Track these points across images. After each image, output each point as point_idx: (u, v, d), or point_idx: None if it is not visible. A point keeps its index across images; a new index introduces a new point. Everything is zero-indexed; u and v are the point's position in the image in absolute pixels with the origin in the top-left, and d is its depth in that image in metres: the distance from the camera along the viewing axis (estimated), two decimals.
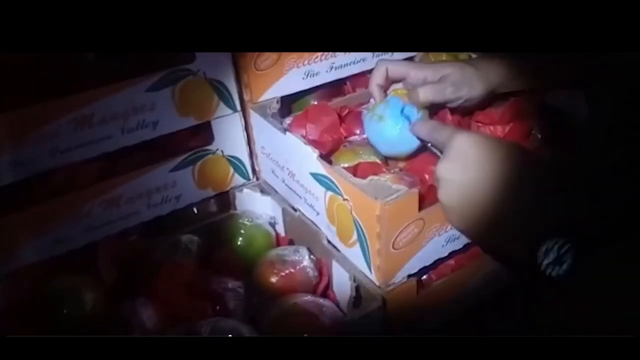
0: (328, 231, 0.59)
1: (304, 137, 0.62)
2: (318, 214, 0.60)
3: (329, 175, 0.55)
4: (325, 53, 0.69)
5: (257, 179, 0.71)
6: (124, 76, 0.57)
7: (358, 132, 0.68)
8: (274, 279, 0.59)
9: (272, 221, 0.67)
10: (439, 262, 0.57)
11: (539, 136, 0.62)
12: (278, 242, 0.66)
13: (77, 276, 0.60)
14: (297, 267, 0.59)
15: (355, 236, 0.54)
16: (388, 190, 0.49)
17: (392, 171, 0.57)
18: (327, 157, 0.62)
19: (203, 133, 0.65)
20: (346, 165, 0.61)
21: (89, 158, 0.59)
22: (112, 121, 0.58)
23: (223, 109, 0.65)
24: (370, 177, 0.51)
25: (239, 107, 0.66)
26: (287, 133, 0.60)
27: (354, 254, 0.55)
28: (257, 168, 0.71)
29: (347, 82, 0.76)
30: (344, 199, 0.53)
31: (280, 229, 0.67)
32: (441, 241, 0.55)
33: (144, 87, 0.58)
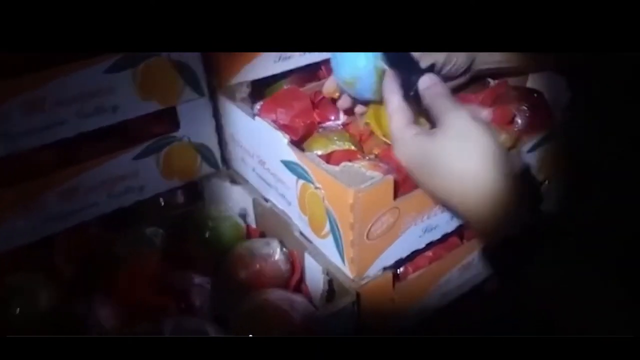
0: (300, 222, 0.56)
1: (274, 122, 0.58)
2: (290, 204, 0.57)
3: (301, 163, 0.51)
4: None
5: (228, 167, 0.68)
6: (80, 56, 0.53)
7: (332, 117, 0.65)
8: (243, 274, 0.56)
9: (243, 212, 0.64)
10: (416, 253, 0.55)
11: (520, 121, 0.59)
12: (249, 234, 0.63)
13: (31, 272, 0.57)
14: (268, 261, 0.56)
15: (327, 227, 0.51)
16: (362, 178, 0.46)
17: (367, 158, 0.53)
18: (299, 143, 0.58)
19: (168, 119, 0.62)
20: (319, 152, 0.58)
21: (43, 145, 0.54)
22: (67, 105, 0.54)
23: (189, 93, 0.61)
24: (343, 164, 0.48)
25: (206, 92, 0.62)
26: (257, 118, 0.57)
27: (327, 246, 0.52)
28: (227, 156, 0.67)
29: (322, 67, 0.72)
30: (316, 187, 0.50)
31: (251, 220, 0.64)
32: (418, 231, 0.52)
33: (102, 68, 0.54)
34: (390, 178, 0.47)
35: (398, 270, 0.57)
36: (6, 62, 0.52)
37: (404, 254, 0.53)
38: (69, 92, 0.54)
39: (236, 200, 0.65)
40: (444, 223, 0.54)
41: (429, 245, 0.55)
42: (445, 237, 0.55)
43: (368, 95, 0.53)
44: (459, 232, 0.59)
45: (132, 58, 0.55)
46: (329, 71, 0.72)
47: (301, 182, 0.52)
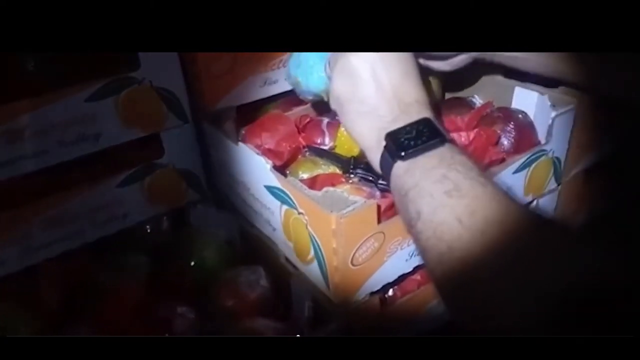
0: (285, 248, 0.55)
1: (259, 146, 0.58)
2: (275, 229, 0.56)
3: (283, 188, 0.51)
4: (284, 60, 0.65)
5: (214, 193, 0.67)
6: (61, 85, 0.53)
7: (319, 141, 0.65)
8: (228, 302, 0.55)
9: (229, 238, 0.63)
10: (404, 277, 0.54)
11: (506, 142, 0.59)
12: (234, 261, 0.62)
13: (13, 303, 0.55)
14: (253, 288, 0.55)
15: (312, 252, 0.50)
16: (344, 202, 0.46)
17: (350, 181, 0.53)
18: (283, 168, 0.58)
19: (152, 146, 0.61)
20: (305, 175, 0.58)
21: (25, 174, 0.54)
22: (48, 134, 0.54)
23: (173, 119, 0.61)
24: (325, 189, 0.48)
25: (190, 118, 0.62)
26: (240, 144, 0.56)
27: (312, 272, 0.52)
28: (213, 182, 0.67)
29: None
30: (299, 213, 0.49)
31: (237, 246, 0.63)
32: (404, 255, 0.51)
33: (83, 97, 0.54)
34: (373, 202, 0.46)
35: (386, 295, 0.56)
36: None
37: (391, 279, 0.52)
38: (50, 121, 0.53)
39: (222, 227, 0.64)
40: None
41: (417, 269, 0.54)
42: None
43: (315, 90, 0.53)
44: None
45: (113, 86, 0.55)
46: None
47: (285, 207, 0.52)
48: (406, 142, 0.37)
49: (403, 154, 0.37)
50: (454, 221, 0.33)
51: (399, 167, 0.38)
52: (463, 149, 0.38)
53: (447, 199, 0.34)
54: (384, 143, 0.39)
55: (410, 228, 0.38)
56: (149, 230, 0.67)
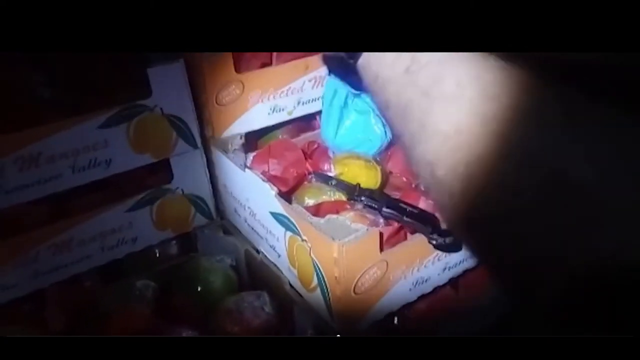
0: (290, 274, 0.55)
1: (265, 173, 0.59)
2: (279, 256, 0.56)
3: (287, 214, 0.51)
4: (292, 87, 0.66)
5: (221, 218, 0.68)
6: (75, 113, 0.55)
7: (326, 167, 0.65)
8: (233, 328, 0.55)
9: (235, 263, 0.63)
10: (408, 306, 0.53)
11: None
12: (239, 286, 0.62)
13: (22, 326, 0.56)
14: (258, 315, 0.55)
15: (315, 280, 0.50)
16: (346, 230, 0.46)
17: (355, 208, 0.53)
18: (289, 194, 0.58)
19: (161, 171, 0.62)
20: (311, 201, 0.58)
21: (36, 199, 0.55)
22: (61, 160, 0.55)
23: (182, 145, 0.62)
24: (328, 216, 0.48)
25: (199, 144, 0.63)
26: (247, 170, 0.57)
27: (316, 299, 0.51)
28: (220, 207, 0.67)
29: (317, 117, 0.73)
30: (303, 240, 0.50)
31: (243, 272, 0.63)
32: (408, 284, 0.51)
33: (96, 124, 0.55)
34: (376, 231, 0.46)
35: (390, 324, 0.55)
36: (2, 117, 0.54)
37: (394, 308, 0.52)
38: (64, 147, 0.55)
39: (229, 252, 0.64)
40: (436, 275, 0.53)
41: (422, 298, 0.54)
42: (436, 290, 0.54)
43: None
44: (454, 284, 0.58)
45: (125, 113, 0.57)
46: None
47: (289, 234, 0.52)
48: None
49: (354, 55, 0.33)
50: (420, 96, 0.29)
51: (360, 66, 0.34)
52: None
53: (408, 76, 0.30)
54: None
55: (388, 122, 0.34)
56: (157, 255, 0.67)
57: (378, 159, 0.62)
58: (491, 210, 0.27)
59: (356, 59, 0.34)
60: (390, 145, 0.64)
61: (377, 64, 0.32)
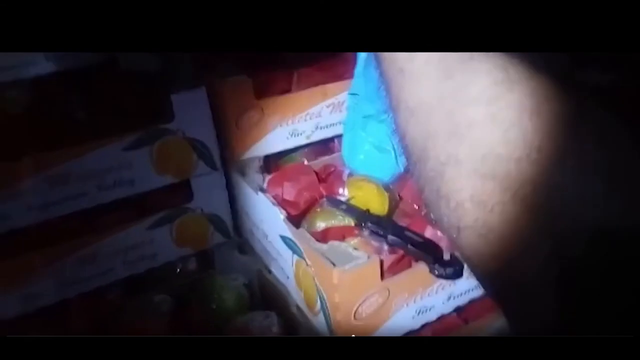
0: (297, 296, 0.57)
1: (279, 196, 0.61)
2: (288, 277, 0.58)
3: (294, 239, 0.53)
4: (310, 113, 0.68)
5: (239, 237, 0.70)
6: (102, 135, 0.59)
7: (339, 191, 0.67)
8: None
9: (247, 282, 0.65)
10: (411, 334, 0.53)
11: None
12: (252, 304, 0.64)
13: (45, 334, 0.60)
14: (265, 335, 0.57)
15: (318, 304, 0.51)
16: (347, 257, 0.47)
17: (360, 235, 0.54)
18: (301, 217, 0.60)
19: (182, 191, 0.65)
20: (323, 225, 0.59)
21: (65, 214, 0.59)
22: (89, 179, 0.59)
23: (202, 167, 0.65)
24: (331, 242, 0.49)
25: (219, 166, 0.66)
26: (259, 193, 0.59)
27: (319, 323, 0.53)
28: (238, 226, 0.70)
29: (335, 140, 0.75)
30: (307, 265, 0.51)
31: (256, 290, 0.65)
32: (411, 312, 0.51)
33: (121, 146, 0.59)
34: (376, 258, 0.47)
35: None
36: (36, 139, 0.58)
37: (397, 335, 0.52)
38: (91, 168, 0.58)
39: (243, 270, 0.66)
40: (440, 304, 0.53)
41: (428, 326, 0.54)
42: (440, 319, 0.54)
43: None
44: (461, 313, 0.57)
45: (149, 136, 0.60)
46: (341, 145, 0.75)
47: (296, 257, 0.54)
48: None
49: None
50: (397, 74, 0.31)
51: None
52: None
53: (392, 57, 0.31)
54: None
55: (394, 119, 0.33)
56: (178, 270, 0.70)
57: (390, 185, 0.63)
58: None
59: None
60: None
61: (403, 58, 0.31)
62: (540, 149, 0.25)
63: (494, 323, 0.57)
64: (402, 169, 0.64)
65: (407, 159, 0.31)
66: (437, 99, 0.28)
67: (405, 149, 0.31)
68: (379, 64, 0.33)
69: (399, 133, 0.31)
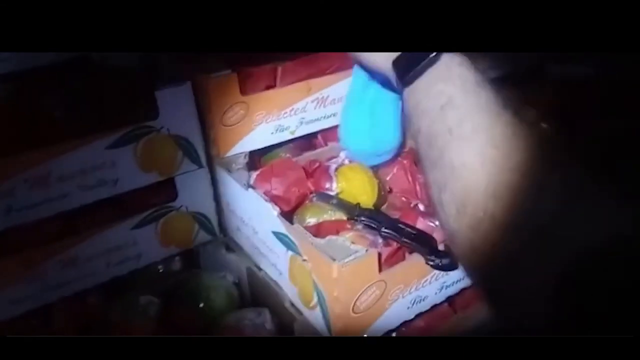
0: (290, 292, 0.57)
1: (268, 192, 0.60)
2: (281, 273, 0.57)
3: (289, 234, 0.53)
4: (294, 108, 0.68)
5: (224, 235, 0.69)
6: (84, 134, 0.57)
7: (327, 186, 0.67)
8: None
9: (236, 280, 0.65)
10: (406, 324, 0.54)
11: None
12: (242, 302, 0.63)
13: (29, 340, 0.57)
14: (258, 332, 0.56)
15: (315, 299, 0.51)
16: (346, 251, 0.47)
17: (354, 228, 0.55)
18: (292, 212, 0.60)
19: (166, 189, 0.64)
20: (313, 220, 0.59)
21: (45, 217, 0.57)
22: (70, 179, 0.57)
23: (188, 164, 0.63)
24: (328, 237, 0.49)
25: (204, 163, 0.65)
26: (249, 189, 0.59)
27: (316, 317, 0.53)
28: (223, 224, 0.69)
29: (319, 136, 0.75)
30: (304, 260, 0.51)
31: (245, 288, 0.65)
32: (406, 303, 0.52)
33: (104, 145, 0.57)
34: (374, 252, 0.48)
35: None
36: (12, 139, 0.56)
37: (392, 326, 0.53)
38: (73, 167, 0.56)
39: (231, 268, 0.66)
40: (433, 294, 0.54)
41: (420, 316, 0.55)
42: (434, 308, 0.55)
43: None
44: (451, 302, 0.59)
45: (133, 134, 0.59)
46: (326, 140, 0.76)
47: (290, 253, 0.53)
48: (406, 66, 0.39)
49: (405, 79, 0.39)
50: (445, 132, 0.35)
51: (406, 92, 0.40)
52: (463, 59, 0.38)
53: (441, 113, 0.36)
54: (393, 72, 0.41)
55: (415, 143, 0.39)
56: (161, 271, 0.69)
57: (379, 173, 0.64)
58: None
59: (406, 84, 0.39)
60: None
61: (421, 95, 0.38)
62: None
63: (482, 312, 0.58)
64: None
65: (441, 211, 0.36)
66: (481, 162, 0.33)
67: (440, 201, 0.36)
68: (420, 117, 0.38)
69: (436, 186, 0.36)
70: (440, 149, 0.36)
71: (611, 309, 0.31)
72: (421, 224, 0.54)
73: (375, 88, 0.58)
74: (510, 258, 0.33)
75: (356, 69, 0.59)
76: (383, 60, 0.42)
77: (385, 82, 0.51)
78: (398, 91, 0.41)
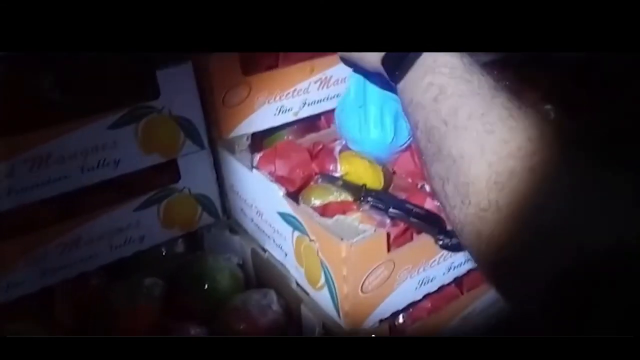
0: (297, 273, 0.56)
1: (272, 173, 0.60)
2: (286, 255, 0.57)
3: (295, 215, 0.52)
4: (297, 89, 0.67)
5: (228, 217, 0.69)
6: (84, 114, 0.55)
7: (331, 168, 0.66)
8: (239, 326, 0.56)
9: (240, 262, 0.64)
10: (414, 305, 0.54)
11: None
12: (246, 284, 0.63)
13: (30, 323, 0.57)
14: (265, 313, 0.56)
15: (323, 279, 0.51)
16: (355, 231, 0.47)
17: (362, 209, 0.54)
18: (296, 193, 0.59)
19: (169, 171, 0.63)
20: (318, 202, 0.59)
21: (46, 198, 0.56)
22: (71, 160, 0.56)
23: (190, 146, 0.62)
24: (336, 217, 0.49)
25: (206, 144, 0.64)
26: (254, 170, 0.58)
27: (323, 298, 0.52)
28: (227, 206, 0.68)
29: (322, 117, 0.74)
30: (311, 240, 0.51)
31: (249, 270, 0.64)
32: (414, 283, 0.52)
33: (105, 125, 0.56)
34: (383, 232, 0.47)
35: (395, 322, 0.56)
36: (12, 119, 0.54)
37: (400, 306, 0.53)
38: (73, 148, 0.55)
39: (235, 250, 0.65)
40: (441, 275, 0.54)
41: (427, 296, 0.55)
42: (441, 289, 0.55)
43: None
44: (458, 283, 0.59)
45: (134, 114, 0.57)
46: (329, 122, 0.75)
47: (297, 234, 0.53)
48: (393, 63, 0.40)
49: (395, 76, 0.39)
50: (441, 124, 0.35)
51: (399, 89, 0.40)
52: None
53: (435, 105, 0.36)
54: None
55: (414, 138, 0.39)
56: (164, 253, 0.68)
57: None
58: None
59: (397, 81, 0.39)
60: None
61: (413, 89, 0.38)
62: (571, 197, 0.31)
63: (488, 293, 0.58)
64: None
65: (446, 202, 0.35)
66: (480, 150, 0.33)
67: (443, 194, 0.35)
68: (415, 112, 0.37)
69: (438, 178, 0.36)
70: (437, 142, 0.35)
71: (618, 299, 0.30)
72: (429, 204, 0.54)
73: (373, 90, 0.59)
74: (518, 246, 0.32)
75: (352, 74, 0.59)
76: (375, 60, 0.42)
77: (384, 83, 0.51)
78: (395, 90, 0.41)
